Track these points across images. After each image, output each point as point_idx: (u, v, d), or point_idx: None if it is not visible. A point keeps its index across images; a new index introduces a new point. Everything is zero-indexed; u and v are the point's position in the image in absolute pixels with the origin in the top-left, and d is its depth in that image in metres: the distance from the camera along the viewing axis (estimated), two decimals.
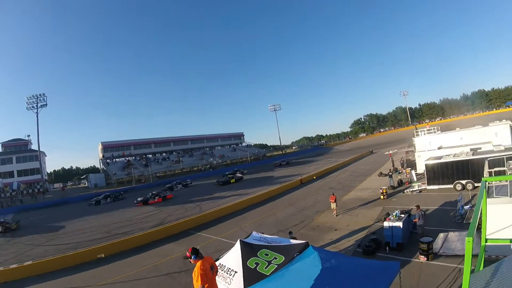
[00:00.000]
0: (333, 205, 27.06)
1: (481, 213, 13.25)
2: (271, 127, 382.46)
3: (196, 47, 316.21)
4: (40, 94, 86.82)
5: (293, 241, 13.22)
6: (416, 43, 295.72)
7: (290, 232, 19.16)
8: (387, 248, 17.80)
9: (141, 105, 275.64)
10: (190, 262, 9.06)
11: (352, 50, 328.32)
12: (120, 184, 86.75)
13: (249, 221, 29.81)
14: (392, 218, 18.94)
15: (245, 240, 13.18)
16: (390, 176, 38.14)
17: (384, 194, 31.07)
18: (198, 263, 8.90)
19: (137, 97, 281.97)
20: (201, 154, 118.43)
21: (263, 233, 14.53)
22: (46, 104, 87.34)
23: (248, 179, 66.95)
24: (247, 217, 32.08)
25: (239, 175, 70.35)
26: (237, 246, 12.19)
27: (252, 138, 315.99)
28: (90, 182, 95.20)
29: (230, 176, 68.00)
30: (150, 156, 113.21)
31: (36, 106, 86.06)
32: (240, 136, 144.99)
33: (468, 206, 21.91)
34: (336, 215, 26.55)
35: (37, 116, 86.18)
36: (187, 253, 9.07)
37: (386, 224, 18.45)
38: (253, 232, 14.95)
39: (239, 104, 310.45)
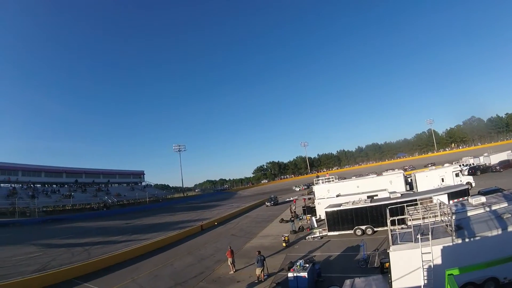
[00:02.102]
0: (229, 261, 25.48)
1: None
2: (174, 167, 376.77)
3: (101, 70, 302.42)
4: None
5: None
6: (317, 94, 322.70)
7: None
8: None
9: (35, 126, 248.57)
10: None
11: (256, 97, 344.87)
12: (2, 215, 73.46)
13: (144, 272, 27.92)
14: (296, 268, 18.90)
15: None
16: (292, 221, 39.07)
17: (286, 241, 31.38)
18: None
19: (33, 116, 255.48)
20: (96, 191, 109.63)
21: None
22: None
23: (145, 223, 63.45)
24: (141, 266, 29.92)
25: None
26: None
27: (153, 177, 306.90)
28: None
29: None
30: (39, 186, 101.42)
31: None
32: (140, 175, 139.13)
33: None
34: (234, 271, 25.05)
35: None
36: None
37: (290, 274, 18.56)
38: None
39: (141, 140, 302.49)
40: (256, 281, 21.83)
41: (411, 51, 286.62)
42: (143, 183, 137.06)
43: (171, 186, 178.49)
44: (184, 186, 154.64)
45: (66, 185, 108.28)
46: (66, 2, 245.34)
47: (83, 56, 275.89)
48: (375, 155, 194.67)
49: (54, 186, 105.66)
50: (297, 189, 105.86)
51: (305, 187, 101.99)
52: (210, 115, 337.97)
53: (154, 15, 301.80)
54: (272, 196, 75.91)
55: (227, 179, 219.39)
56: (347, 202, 34.21)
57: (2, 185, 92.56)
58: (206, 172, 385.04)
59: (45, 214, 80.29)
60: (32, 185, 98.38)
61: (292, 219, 41.61)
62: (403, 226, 17.89)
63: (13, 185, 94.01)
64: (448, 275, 10.50)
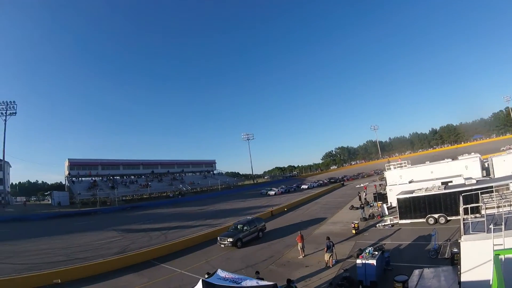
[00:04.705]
0: (299, 246, 25.61)
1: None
2: (244, 155, 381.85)
3: (173, 69, 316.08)
4: (10, 101, 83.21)
5: (261, 282, 12.79)
6: (387, 77, 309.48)
7: (257, 272, 18.31)
8: (360, 286, 17.35)
9: (112, 123, 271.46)
10: None
11: (325, 82, 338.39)
12: (85, 205, 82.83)
13: (216, 254, 28.84)
14: (365, 255, 18.53)
15: (208, 280, 12.49)
16: (362, 208, 38.19)
17: (356, 228, 30.74)
18: None
19: (110, 114, 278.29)
20: (171, 180, 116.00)
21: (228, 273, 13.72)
22: (15, 113, 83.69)
23: (217, 209, 65.33)
24: (214, 249, 30.90)
25: None
26: (199, 286, 11.48)
27: (224, 166, 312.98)
28: (54, 200, 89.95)
29: None
30: (117, 178, 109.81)
31: (5, 113, 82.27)
32: (212, 164, 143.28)
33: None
34: (304, 256, 25.14)
35: (5, 124, 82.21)
36: None
37: (359, 261, 18.12)
38: (218, 270, 14.22)
39: (212, 131, 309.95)
40: (324, 267, 21.77)
41: (484, 18, 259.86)
42: (215, 172, 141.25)
43: (241, 173, 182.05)
44: (253, 174, 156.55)
45: (143, 176, 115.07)
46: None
47: (153, 55, 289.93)
48: (450, 138, 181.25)
49: (132, 177, 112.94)
50: (272, 192, 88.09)
51: (282, 189, 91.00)
52: (278, 102, 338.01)
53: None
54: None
55: (296, 165, 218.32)
56: (420, 189, 32.65)
57: (83, 179, 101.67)
58: (274, 159, 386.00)
59: (125, 203, 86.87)
60: (111, 177, 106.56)
61: (363, 206, 40.70)
62: (476, 215, 16.86)
63: (93, 178, 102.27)
64: (496, 254, 9.99)
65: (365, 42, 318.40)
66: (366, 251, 19.17)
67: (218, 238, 31.38)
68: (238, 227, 32.77)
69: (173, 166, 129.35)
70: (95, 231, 46.17)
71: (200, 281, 11.67)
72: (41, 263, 27.68)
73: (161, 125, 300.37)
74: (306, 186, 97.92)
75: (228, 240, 30.25)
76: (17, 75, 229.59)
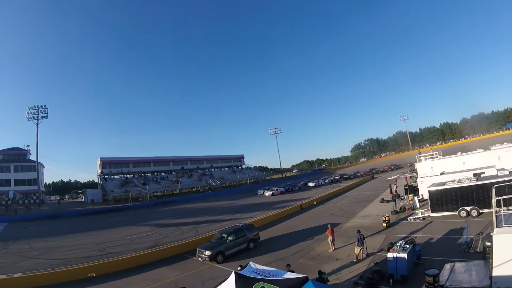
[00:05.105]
0: (329, 239, 25.37)
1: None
2: (272, 149, 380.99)
3: (200, 67, 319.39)
4: (41, 106, 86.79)
5: (292, 275, 12.75)
6: (417, 67, 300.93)
7: (288, 265, 18.32)
8: (391, 280, 17.19)
9: (141, 123, 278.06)
10: None
11: (352, 74, 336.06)
12: (117, 201, 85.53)
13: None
14: (396, 248, 18.29)
15: (241, 272, 12.62)
16: (394, 200, 37.65)
17: (387, 221, 30.36)
18: None
19: (138, 114, 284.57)
20: (200, 175, 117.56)
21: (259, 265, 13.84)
22: (47, 116, 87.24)
23: (247, 203, 65.84)
24: None
25: None
26: (232, 278, 11.61)
27: (252, 160, 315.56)
28: (87, 197, 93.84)
29: None
30: (149, 174, 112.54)
31: (37, 117, 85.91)
32: (240, 159, 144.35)
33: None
34: (334, 250, 24.96)
35: (37, 127, 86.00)
36: None
37: (390, 255, 17.88)
38: (250, 262, 14.30)
39: (239, 126, 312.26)
40: (355, 260, 21.63)
41: None
42: (243, 166, 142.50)
43: (269, 167, 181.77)
44: (282, 167, 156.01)
45: (173, 172, 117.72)
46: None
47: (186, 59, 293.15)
48: (482, 127, 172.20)
49: (163, 173, 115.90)
50: (269, 193, 78.62)
51: (282, 189, 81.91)
52: (304, 95, 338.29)
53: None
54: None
55: (324, 158, 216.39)
56: (452, 181, 31.83)
57: (115, 176, 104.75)
58: (303, 152, 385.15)
59: (156, 199, 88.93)
60: (143, 174, 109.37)
61: (394, 198, 40.09)
62: (509, 207, 16.33)
63: (125, 175, 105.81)
64: None
65: (394, 29, 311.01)
66: (397, 244, 18.88)
67: (197, 250, 26.54)
68: (223, 236, 27.42)
69: (202, 162, 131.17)
70: (128, 226, 47.56)
71: (233, 273, 11.83)
72: (76, 258, 28.71)
73: (190, 123, 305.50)
74: (313, 184, 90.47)
75: (206, 253, 25.15)
76: (49, 77, 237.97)
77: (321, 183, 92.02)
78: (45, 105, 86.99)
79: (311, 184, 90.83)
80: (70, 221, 59.04)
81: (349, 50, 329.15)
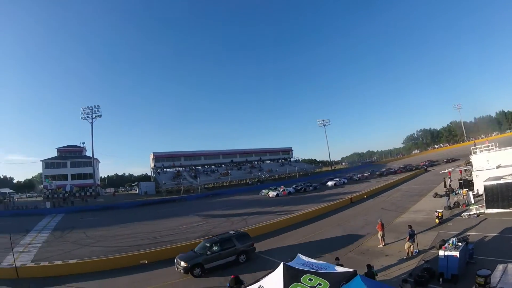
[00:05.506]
0: (379, 234, 24.42)
1: None
2: (320, 142, 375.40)
3: (248, 62, 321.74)
4: (95, 106, 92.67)
5: (340, 269, 12.46)
6: (470, 53, 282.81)
7: (337, 258, 17.72)
8: (441, 279, 16.22)
9: (192, 119, 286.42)
10: None
11: (403, 62, 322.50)
12: (169, 193, 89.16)
13: (295, 240, 28.49)
14: (448, 246, 17.20)
15: (289, 263, 12.44)
16: (448, 195, 35.69)
17: (439, 217, 28.71)
18: None
19: (188, 111, 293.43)
20: (249, 168, 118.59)
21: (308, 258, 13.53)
22: (100, 115, 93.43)
23: (295, 196, 65.26)
24: (293, 235, 30.71)
25: None
26: (280, 269, 11.55)
27: (300, 152, 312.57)
28: (141, 189, 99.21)
29: None
30: (199, 167, 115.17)
31: (91, 116, 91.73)
32: (288, 151, 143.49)
33: None
34: (384, 245, 23.98)
35: (91, 125, 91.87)
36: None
37: (441, 252, 16.84)
38: (299, 254, 14.09)
39: (287, 118, 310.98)
40: (405, 257, 20.68)
41: None
42: (292, 159, 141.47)
43: (318, 160, 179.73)
44: (331, 160, 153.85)
45: (223, 165, 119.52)
46: None
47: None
48: None
49: (213, 166, 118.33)
50: (273, 194, 68.65)
51: (289, 190, 70.76)
52: (353, 85, 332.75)
53: None
54: None
55: (375, 150, 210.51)
56: (509, 175, 29.12)
57: (168, 169, 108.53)
58: (352, 144, 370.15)
59: (207, 190, 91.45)
60: (194, 167, 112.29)
61: (447, 193, 38.04)
62: None
63: (177, 169, 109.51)
64: None
65: (452, 16, 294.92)
66: (449, 242, 17.72)
67: (175, 258, 22.27)
68: (205, 245, 23.00)
69: (251, 155, 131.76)
70: (180, 217, 48.81)
71: (282, 264, 11.74)
72: (129, 246, 29.77)
73: (238, 116, 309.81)
74: (334, 183, 79.03)
75: (181, 264, 21.08)
76: (106, 77, 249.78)
77: (343, 181, 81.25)
78: (98, 105, 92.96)
79: (330, 183, 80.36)
80: (124, 211, 61.90)
81: (396, 40, 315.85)
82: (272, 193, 68.85)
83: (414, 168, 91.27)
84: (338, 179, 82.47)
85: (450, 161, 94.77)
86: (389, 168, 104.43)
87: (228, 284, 8.63)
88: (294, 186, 75.60)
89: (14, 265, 22.44)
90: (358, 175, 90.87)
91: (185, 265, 20.87)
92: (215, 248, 22.43)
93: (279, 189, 71.52)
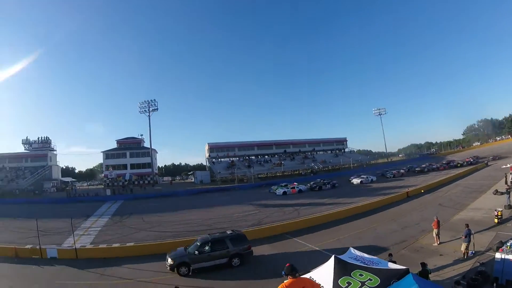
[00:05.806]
0: (434, 232, 23.28)
1: None
2: (376, 132, 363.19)
3: (302, 53, 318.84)
4: (151, 100, 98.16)
5: (392, 265, 12.22)
6: None
7: (390, 255, 17.14)
8: (495, 284, 15.11)
9: (246, 110, 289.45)
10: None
11: (460, 45, 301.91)
12: (224, 182, 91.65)
13: (347, 233, 27.97)
14: (505, 249, 16.01)
15: (340, 257, 12.39)
16: (508, 193, 33.07)
17: (499, 217, 26.81)
18: (285, 283, 8.58)
19: (242, 102, 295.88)
20: (302, 159, 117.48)
21: (360, 252, 13.51)
22: (157, 109, 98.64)
23: (349, 189, 63.73)
24: (345, 228, 30.10)
25: None
26: (331, 262, 11.64)
27: (355, 143, 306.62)
28: (196, 178, 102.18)
29: None
30: (253, 157, 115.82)
31: (148, 110, 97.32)
32: (343, 142, 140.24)
33: None
34: (439, 244, 22.84)
35: (149, 118, 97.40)
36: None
37: (498, 255, 15.77)
38: (351, 248, 14.04)
39: (342, 108, 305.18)
40: (462, 258, 19.61)
41: None
42: (346, 150, 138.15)
43: (373, 151, 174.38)
44: (387, 151, 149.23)
45: (276, 155, 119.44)
46: None
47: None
48: None
49: (266, 156, 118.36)
50: (280, 191, 61.35)
51: (300, 188, 62.67)
52: (411, 73, 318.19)
53: None
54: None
55: (434, 142, 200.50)
56: None
57: (222, 159, 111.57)
58: (410, 135, 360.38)
59: (260, 180, 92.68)
60: (247, 157, 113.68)
61: (508, 190, 35.22)
62: None
63: (231, 159, 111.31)
64: None
65: None
66: (507, 244, 16.49)
67: (167, 255, 21.23)
68: (196, 244, 21.61)
69: (304, 145, 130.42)
70: (234, 205, 49.78)
71: (333, 257, 11.77)
72: (184, 231, 31.00)
73: (291, 106, 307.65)
74: (360, 180, 69.79)
75: (168, 260, 20.34)
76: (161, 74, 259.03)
77: (371, 179, 70.77)
78: (154, 99, 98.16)
79: (356, 180, 71.10)
80: (180, 199, 64.22)
81: (460, 21, 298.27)
82: (279, 190, 61.73)
83: (458, 165, 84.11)
84: (365, 176, 71.90)
85: (497, 158, 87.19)
86: (447, 161, 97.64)
87: (283, 272, 8.61)
88: (310, 183, 68.58)
89: (74, 247, 24.26)
90: (399, 170, 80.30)
91: (171, 263, 20.14)
92: (206, 248, 21.06)
93: (290, 185, 64.78)
